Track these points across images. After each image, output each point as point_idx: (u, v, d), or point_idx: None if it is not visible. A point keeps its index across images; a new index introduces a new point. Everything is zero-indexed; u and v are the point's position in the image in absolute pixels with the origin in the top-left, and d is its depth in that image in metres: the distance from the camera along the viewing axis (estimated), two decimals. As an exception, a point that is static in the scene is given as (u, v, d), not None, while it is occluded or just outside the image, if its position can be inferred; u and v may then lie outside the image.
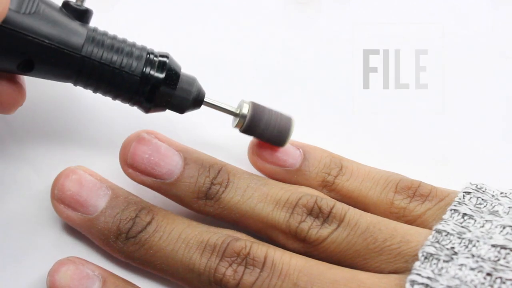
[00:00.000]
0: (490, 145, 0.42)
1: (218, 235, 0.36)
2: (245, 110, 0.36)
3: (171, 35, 0.43)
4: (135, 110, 0.37)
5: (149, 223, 0.36)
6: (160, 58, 0.35)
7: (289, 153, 0.39)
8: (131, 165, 0.37)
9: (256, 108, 0.37)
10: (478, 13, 0.45)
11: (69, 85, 0.36)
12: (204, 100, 0.37)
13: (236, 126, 0.37)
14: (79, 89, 0.36)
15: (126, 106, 0.36)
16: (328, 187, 0.38)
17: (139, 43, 0.36)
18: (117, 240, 0.36)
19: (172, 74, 0.35)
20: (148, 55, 0.35)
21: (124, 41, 0.35)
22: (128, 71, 0.35)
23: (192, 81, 0.36)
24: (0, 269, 0.37)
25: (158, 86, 0.35)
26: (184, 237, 0.36)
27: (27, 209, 0.38)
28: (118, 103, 0.36)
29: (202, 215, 0.38)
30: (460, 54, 0.44)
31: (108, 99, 0.36)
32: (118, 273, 0.37)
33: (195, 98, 0.36)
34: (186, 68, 0.41)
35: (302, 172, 0.39)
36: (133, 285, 0.36)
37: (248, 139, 0.39)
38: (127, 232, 0.36)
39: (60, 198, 0.36)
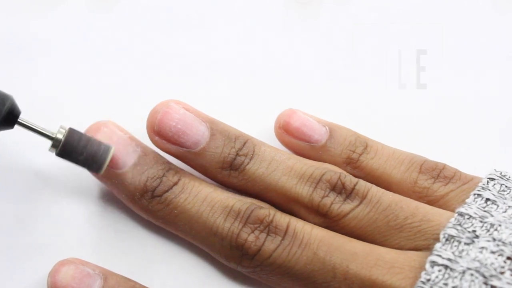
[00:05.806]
0: (490, 145, 0.42)
1: (243, 201, 0.36)
2: (60, 135, 0.35)
3: (171, 36, 0.43)
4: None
5: (175, 183, 0.36)
6: None
7: (315, 130, 0.39)
8: (158, 132, 0.37)
9: (71, 134, 0.36)
10: (478, 13, 0.45)
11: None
12: (19, 120, 0.35)
13: (51, 149, 0.36)
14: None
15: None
16: (352, 164, 0.38)
17: None
18: (142, 197, 0.36)
19: None
20: None
21: None
22: None
23: (3, 98, 0.35)
24: (0, 271, 0.37)
25: None
26: (210, 201, 0.36)
27: (27, 210, 0.38)
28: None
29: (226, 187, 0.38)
30: (460, 54, 0.44)
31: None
32: (118, 272, 0.36)
33: (5, 115, 0.34)
34: (186, 68, 0.42)
35: (327, 149, 0.39)
36: (134, 282, 0.36)
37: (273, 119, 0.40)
38: (153, 190, 0.36)
39: None
